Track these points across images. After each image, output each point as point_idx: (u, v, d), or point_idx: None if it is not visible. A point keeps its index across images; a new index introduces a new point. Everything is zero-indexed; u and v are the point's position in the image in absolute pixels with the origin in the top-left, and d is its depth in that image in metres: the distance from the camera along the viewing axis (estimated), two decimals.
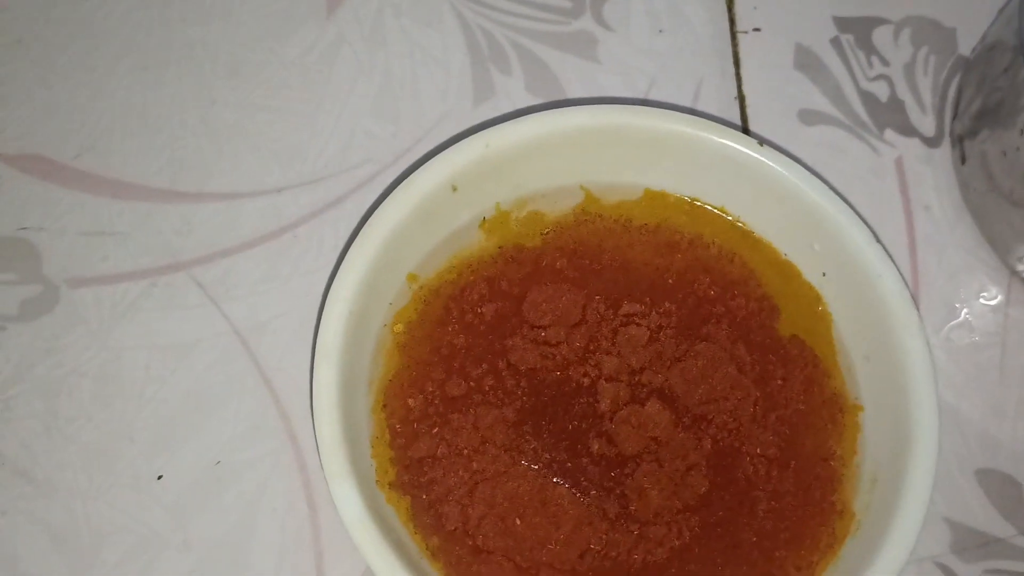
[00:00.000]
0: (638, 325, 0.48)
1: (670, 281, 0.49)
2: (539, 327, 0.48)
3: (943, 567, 0.48)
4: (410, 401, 0.46)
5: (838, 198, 0.48)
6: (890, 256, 0.47)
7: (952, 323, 0.53)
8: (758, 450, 0.46)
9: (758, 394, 0.47)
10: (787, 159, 0.49)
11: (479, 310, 0.48)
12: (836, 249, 0.48)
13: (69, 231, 0.52)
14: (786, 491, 0.46)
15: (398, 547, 0.42)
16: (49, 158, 0.54)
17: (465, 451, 0.45)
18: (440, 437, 0.46)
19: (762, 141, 0.49)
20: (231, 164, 0.55)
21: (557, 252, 0.50)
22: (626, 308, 0.48)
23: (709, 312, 0.49)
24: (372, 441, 0.45)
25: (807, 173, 0.48)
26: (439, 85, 0.57)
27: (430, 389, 0.47)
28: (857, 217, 0.48)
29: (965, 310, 0.54)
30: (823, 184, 0.48)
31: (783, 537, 0.45)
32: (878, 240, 0.47)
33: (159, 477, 0.48)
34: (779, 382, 0.47)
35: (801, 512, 0.45)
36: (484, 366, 0.47)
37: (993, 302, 0.54)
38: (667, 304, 0.48)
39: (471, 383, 0.47)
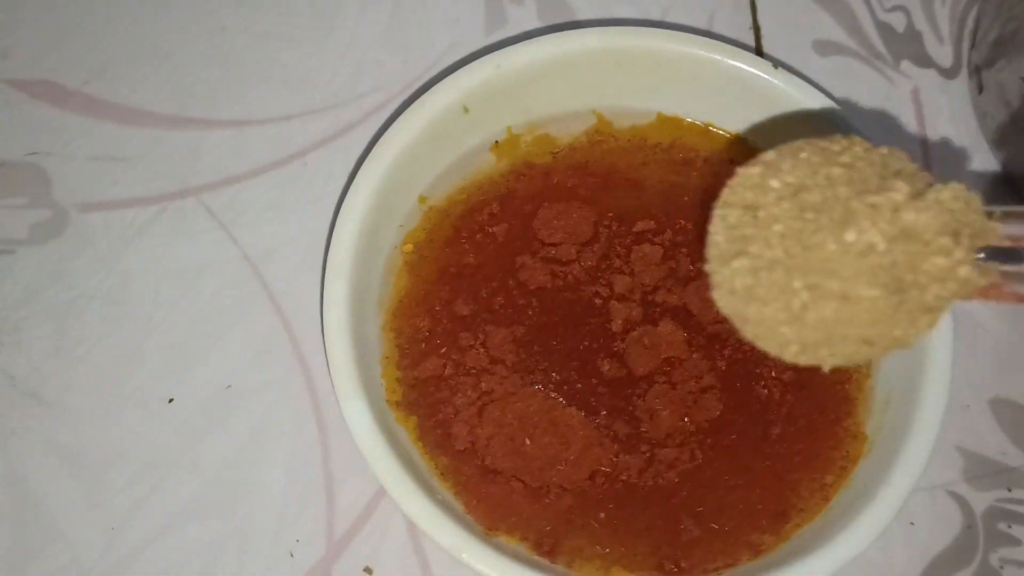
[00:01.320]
0: (652, 243, 0.47)
1: (685, 198, 0.49)
2: (550, 244, 0.47)
3: (955, 495, 0.48)
4: (418, 321, 0.46)
5: (848, 122, 0.47)
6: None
7: None
8: (772, 373, 0.46)
9: None
10: (802, 82, 0.48)
11: (489, 229, 0.48)
12: None
13: (78, 156, 0.52)
14: (800, 414, 0.45)
15: (409, 465, 0.41)
16: (58, 83, 0.54)
17: (473, 370, 0.45)
18: (447, 357, 0.45)
19: (776, 63, 0.48)
20: (240, 91, 0.54)
21: (569, 170, 0.49)
22: (640, 226, 0.48)
23: None
24: (382, 361, 0.45)
25: (823, 96, 0.48)
26: (450, 13, 0.56)
27: (438, 309, 0.46)
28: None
29: None
30: (837, 108, 0.48)
31: (796, 460, 0.45)
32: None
33: (170, 400, 0.48)
34: None
35: (815, 435, 0.45)
36: (493, 285, 0.47)
37: None
38: (682, 221, 0.48)
39: (480, 302, 0.46)
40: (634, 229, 0.48)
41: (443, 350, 0.46)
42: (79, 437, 0.47)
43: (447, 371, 0.45)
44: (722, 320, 0.45)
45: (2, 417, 0.47)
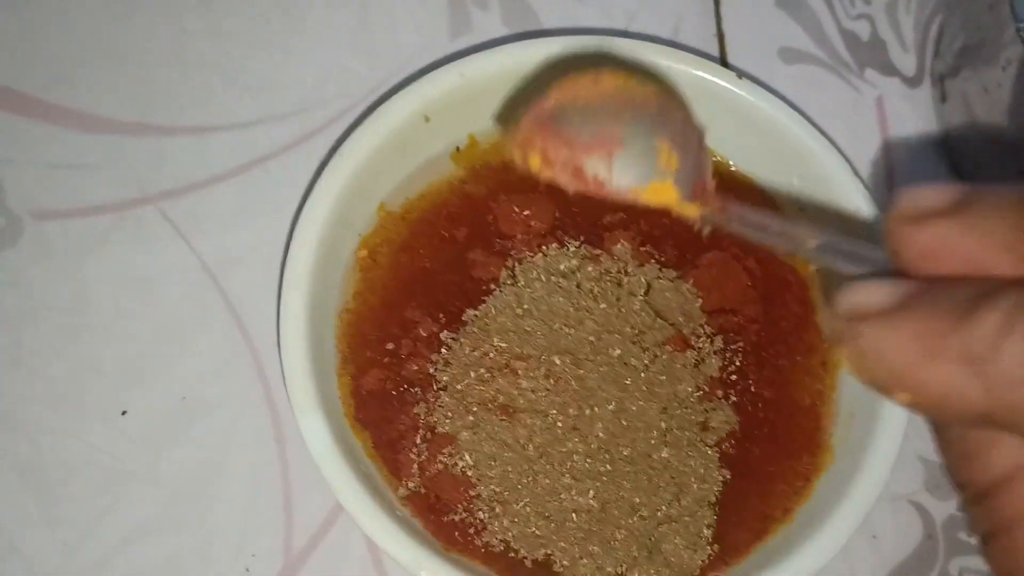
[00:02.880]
0: (626, 231, 0.47)
1: None
2: (508, 237, 0.47)
3: (917, 505, 0.48)
4: (366, 330, 0.46)
5: (817, 131, 0.47)
6: (869, 188, 0.47)
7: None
8: (751, 385, 0.46)
9: (761, 314, 0.47)
10: (767, 92, 0.48)
11: (444, 233, 0.48)
12: (815, 183, 0.47)
13: (36, 163, 0.51)
14: (763, 427, 0.45)
15: (366, 480, 0.41)
16: (16, 90, 0.53)
17: (415, 389, 0.45)
18: (389, 369, 0.45)
19: (741, 74, 0.48)
20: (202, 97, 0.53)
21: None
22: (608, 218, 0.48)
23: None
24: (338, 372, 0.45)
25: (787, 106, 0.48)
26: (416, 19, 0.56)
27: (385, 315, 0.46)
28: (836, 150, 0.47)
29: None
30: (802, 117, 0.48)
31: (758, 473, 0.45)
32: (856, 173, 0.47)
33: (123, 413, 0.47)
34: (779, 306, 0.47)
35: (778, 447, 0.45)
36: (448, 287, 0.47)
37: None
38: (653, 215, 0.48)
39: (432, 307, 0.46)
40: (603, 221, 0.48)
41: (385, 360, 0.45)
42: (36, 450, 0.46)
43: (388, 385, 0.45)
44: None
45: None
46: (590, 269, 0.47)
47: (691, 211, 0.35)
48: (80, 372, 0.48)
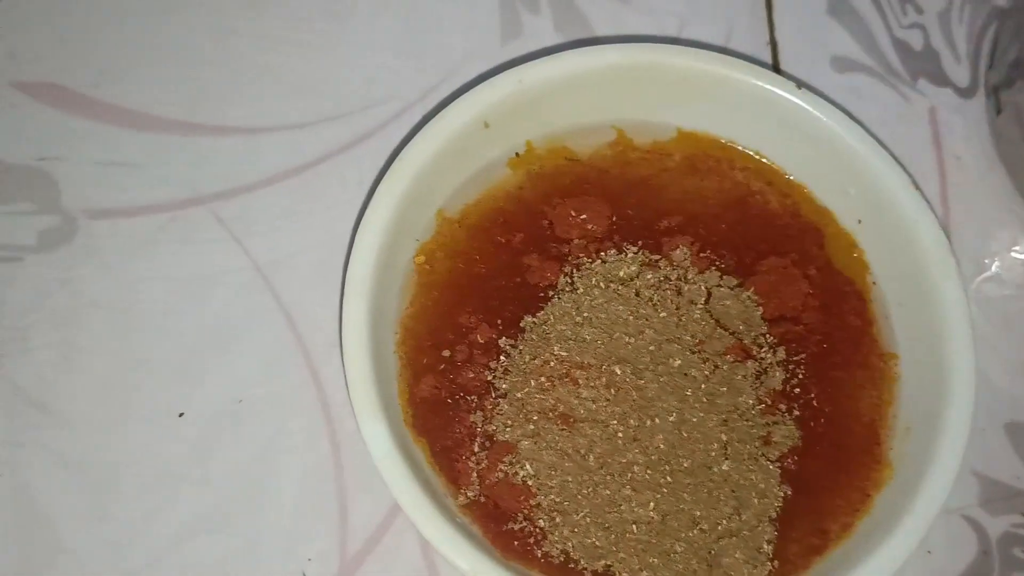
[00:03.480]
0: (684, 236, 0.48)
1: (709, 202, 0.49)
2: (564, 241, 0.47)
3: (970, 520, 0.48)
4: (421, 336, 0.46)
5: (876, 143, 0.47)
6: (927, 201, 0.46)
7: (982, 276, 0.53)
8: (813, 400, 0.46)
9: (822, 323, 0.47)
10: (825, 102, 0.48)
11: (500, 239, 0.47)
12: (873, 194, 0.47)
13: (88, 162, 0.51)
14: (823, 441, 0.45)
15: (427, 487, 0.41)
16: (66, 86, 0.53)
17: (472, 397, 0.45)
18: (444, 376, 0.45)
19: (800, 84, 0.48)
20: (250, 97, 0.53)
21: (586, 172, 0.49)
22: (665, 223, 0.47)
23: (762, 234, 0.48)
24: (397, 380, 0.45)
25: (845, 117, 0.48)
26: (465, 22, 0.56)
27: (441, 322, 0.46)
28: (895, 162, 0.47)
29: (996, 263, 0.53)
30: (861, 128, 0.47)
31: (820, 488, 0.44)
32: (916, 186, 0.47)
33: (180, 414, 0.47)
34: (837, 317, 0.47)
35: (838, 463, 0.45)
36: (503, 293, 0.46)
37: None
38: (712, 221, 0.48)
39: (486, 313, 0.46)
40: (660, 225, 0.47)
41: (441, 367, 0.45)
42: (87, 449, 0.46)
43: (443, 393, 0.45)
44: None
45: (8, 428, 0.46)
46: (649, 276, 0.46)
47: None
48: (131, 371, 0.48)
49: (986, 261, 0.53)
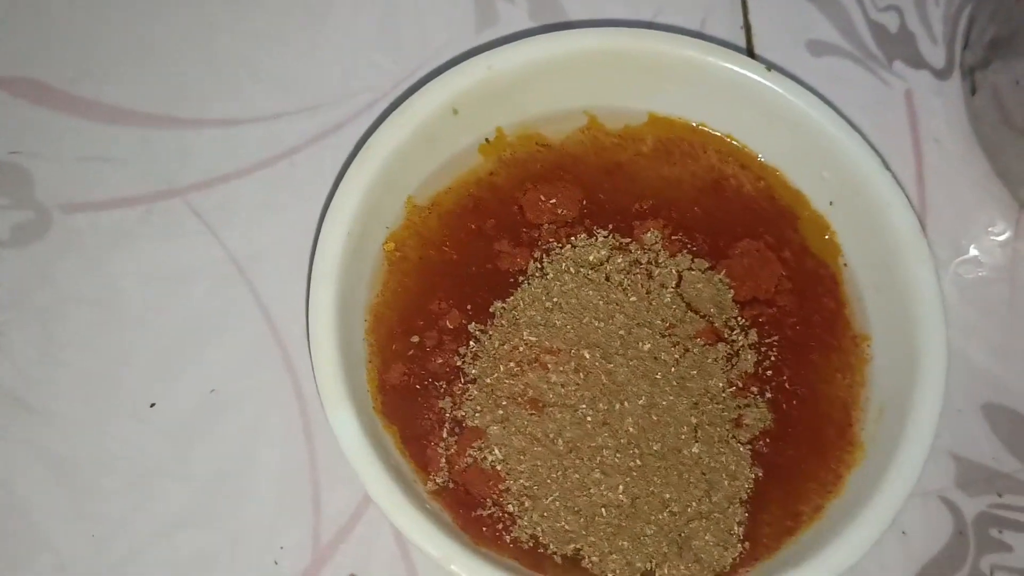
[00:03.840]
0: (656, 219, 0.48)
1: (682, 188, 0.49)
2: (535, 227, 0.47)
3: (947, 501, 0.48)
4: (392, 323, 0.46)
5: (847, 124, 0.47)
6: (900, 184, 0.46)
7: (960, 258, 0.53)
8: (785, 382, 0.46)
9: (797, 306, 0.47)
10: (796, 84, 0.48)
11: (471, 225, 0.48)
12: (845, 177, 0.47)
13: (64, 156, 0.51)
14: (794, 422, 0.45)
15: (397, 474, 0.41)
16: (44, 82, 0.53)
17: (440, 383, 0.45)
18: (413, 362, 0.45)
19: (770, 66, 0.48)
20: (229, 90, 0.53)
21: (558, 158, 0.49)
22: (637, 206, 0.47)
23: (736, 218, 0.48)
24: (366, 367, 0.45)
25: (816, 99, 0.48)
26: (442, 12, 0.56)
27: (411, 308, 0.46)
28: (867, 144, 0.47)
29: (973, 245, 0.53)
30: (833, 110, 0.47)
31: (790, 469, 0.44)
32: (888, 168, 0.47)
33: (151, 405, 0.47)
34: (812, 300, 0.47)
35: (809, 444, 0.45)
36: (473, 279, 0.47)
37: (1002, 237, 0.53)
38: (685, 205, 0.48)
39: (457, 299, 0.46)
40: (632, 209, 0.48)
41: (410, 352, 0.45)
42: (66, 443, 0.46)
43: (411, 380, 0.45)
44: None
45: None
46: (619, 260, 0.46)
47: None
48: (109, 365, 0.48)
49: (964, 243, 0.53)
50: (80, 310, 0.49)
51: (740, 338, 0.46)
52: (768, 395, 0.45)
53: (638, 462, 0.43)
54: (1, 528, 0.45)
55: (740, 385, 0.45)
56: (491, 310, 0.46)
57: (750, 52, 0.55)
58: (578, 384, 0.44)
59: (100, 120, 0.52)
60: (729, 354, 0.46)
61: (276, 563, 0.45)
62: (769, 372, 0.46)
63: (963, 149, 0.55)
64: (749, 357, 0.45)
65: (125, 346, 0.48)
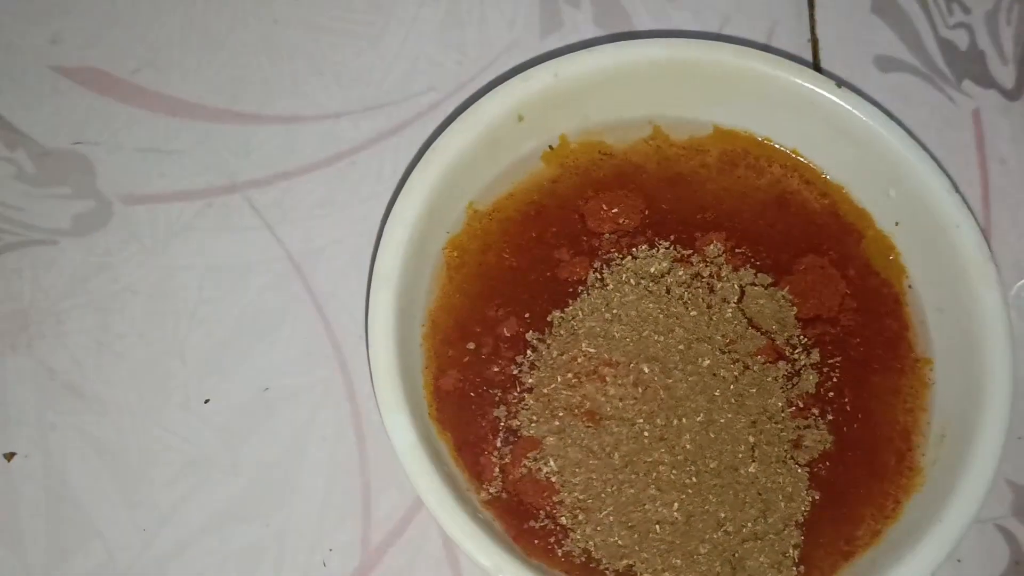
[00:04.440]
0: (719, 231, 0.47)
1: (745, 201, 0.48)
2: (596, 235, 0.47)
3: (1003, 529, 0.47)
4: (449, 329, 0.45)
5: (916, 144, 0.46)
6: (968, 205, 0.45)
7: (1023, 281, 0.52)
8: (847, 404, 0.45)
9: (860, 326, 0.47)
10: (865, 102, 0.47)
11: (532, 233, 0.47)
12: (913, 197, 0.46)
13: (125, 147, 0.51)
14: (855, 445, 0.45)
15: (450, 480, 0.41)
16: (107, 72, 0.53)
17: (495, 390, 0.45)
18: (468, 369, 0.45)
19: (840, 82, 0.47)
20: (291, 86, 0.53)
21: (621, 166, 0.49)
22: (700, 216, 0.47)
23: (800, 233, 0.48)
24: (423, 372, 0.44)
25: (885, 117, 0.47)
26: (506, 14, 0.55)
27: (469, 315, 0.46)
28: (936, 165, 0.46)
29: None
30: (902, 129, 0.47)
31: (849, 493, 0.44)
32: (957, 189, 0.46)
33: (206, 401, 0.47)
34: (875, 319, 0.47)
35: (869, 467, 0.44)
36: (532, 287, 0.46)
37: None
38: (748, 218, 0.48)
39: (510, 307, 0.46)
40: (695, 219, 0.47)
41: (465, 359, 0.45)
42: (119, 434, 0.47)
43: (466, 387, 0.44)
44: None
45: (42, 410, 0.47)
46: (681, 273, 0.46)
47: None
48: (164, 358, 0.48)
49: None
50: (137, 301, 0.49)
51: (802, 357, 0.45)
52: (830, 417, 0.45)
53: (694, 479, 0.42)
54: (53, 515, 0.45)
55: (800, 405, 0.45)
56: (549, 319, 0.45)
57: (816, 66, 0.55)
58: (636, 398, 0.43)
59: (162, 112, 0.52)
60: (789, 373, 0.45)
61: (324, 564, 0.45)
62: (831, 394, 0.45)
63: None
64: (811, 378, 0.45)
65: (180, 339, 0.48)
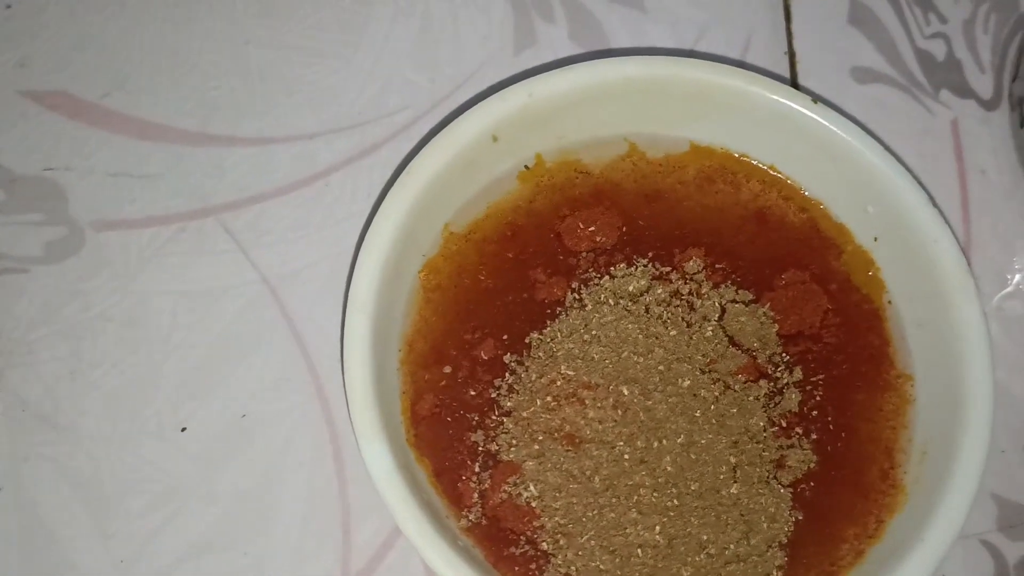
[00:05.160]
0: (698, 247, 0.47)
1: (722, 218, 0.48)
2: (573, 254, 0.47)
3: (988, 544, 0.47)
4: (425, 353, 0.45)
5: (894, 159, 0.46)
6: (947, 220, 0.45)
7: (1004, 292, 0.51)
8: (830, 423, 0.45)
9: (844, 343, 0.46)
10: (841, 117, 0.47)
11: (509, 254, 0.47)
12: (891, 212, 0.46)
13: (96, 172, 0.51)
14: (836, 464, 0.44)
15: (428, 508, 0.40)
16: (77, 96, 0.52)
17: (472, 415, 0.44)
18: (444, 393, 0.44)
19: (816, 98, 0.47)
20: (264, 107, 0.53)
21: (597, 185, 0.48)
22: (679, 232, 0.47)
23: (780, 248, 0.47)
24: (401, 397, 0.44)
25: (862, 132, 0.46)
26: (479, 31, 0.55)
27: (445, 338, 0.45)
28: (914, 179, 0.46)
29: (1018, 279, 0.52)
30: (879, 144, 0.46)
31: (831, 513, 0.43)
32: (934, 203, 0.45)
33: (183, 429, 0.47)
34: (857, 336, 0.46)
35: (851, 487, 0.44)
36: (509, 308, 0.46)
37: None
38: (728, 233, 0.47)
39: (487, 329, 0.45)
40: (673, 234, 0.47)
41: (442, 383, 0.44)
42: (93, 464, 0.46)
43: (443, 412, 0.44)
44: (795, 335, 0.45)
45: (14, 442, 0.46)
46: (660, 291, 0.46)
47: None
48: (138, 385, 0.47)
49: (1008, 276, 0.52)
50: (111, 328, 0.48)
51: (784, 376, 0.45)
52: (814, 436, 0.44)
53: (675, 502, 0.42)
54: (27, 546, 0.45)
55: (783, 425, 0.44)
56: (527, 341, 0.45)
57: (793, 79, 0.54)
58: (616, 420, 0.43)
59: (133, 136, 0.52)
60: (772, 392, 0.45)
61: None
62: (815, 412, 0.45)
63: (1009, 181, 0.53)
64: (793, 396, 0.44)
65: (154, 366, 0.48)
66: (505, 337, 0.45)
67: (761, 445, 0.44)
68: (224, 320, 0.49)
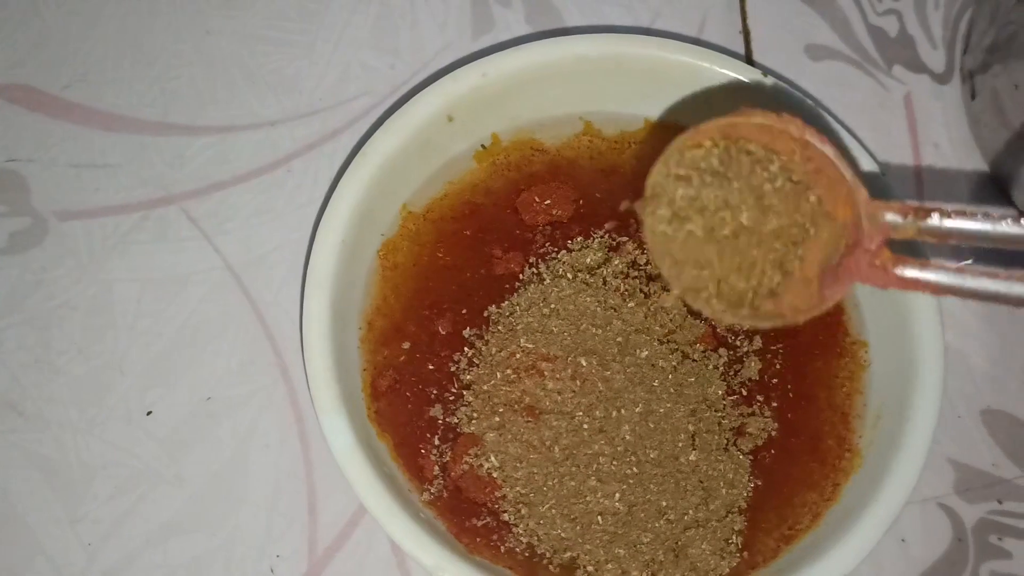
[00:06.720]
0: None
1: None
2: (530, 229, 0.47)
3: (946, 507, 0.48)
4: (385, 330, 0.46)
5: (847, 132, 0.47)
6: (897, 190, 0.46)
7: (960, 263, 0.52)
8: (790, 391, 0.45)
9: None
10: (792, 91, 0.47)
11: (466, 232, 0.47)
12: None
13: (59, 163, 0.51)
14: (791, 429, 0.45)
15: (390, 481, 0.41)
16: (38, 89, 0.53)
17: (431, 389, 0.45)
18: (403, 369, 0.45)
19: (766, 72, 0.48)
20: (225, 96, 0.53)
21: (553, 161, 0.49)
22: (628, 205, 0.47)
23: None
24: (361, 374, 0.44)
25: (812, 105, 0.47)
26: (438, 17, 0.56)
27: (404, 315, 0.46)
28: (864, 150, 0.46)
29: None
30: (828, 116, 0.47)
31: (786, 477, 0.44)
32: (884, 174, 0.46)
33: (148, 413, 0.47)
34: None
35: (806, 451, 0.44)
36: (467, 284, 0.46)
37: None
38: None
39: (450, 305, 0.46)
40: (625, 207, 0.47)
41: (401, 359, 0.45)
42: (61, 450, 0.46)
43: (401, 386, 0.44)
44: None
45: None
46: (617, 263, 0.46)
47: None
48: (104, 372, 0.48)
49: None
50: (75, 317, 0.49)
51: (744, 344, 0.46)
52: (774, 404, 0.45)
53: (635, 469, 0.43)
54: None
55: (744, 393, 0.45)
56: (486, 315, 0.45)
57: (748, 57, 0.55)
58: (575, 391, 0.44)
59: (95, 127, 0.52)
60: (732, 360, 0.45)
61: (272, 570, 0.45)
62: (775, 380, 0.45)
63: (962, 153, 0.54)
64: (753, 364, 0.45)
65: (120, 353, 0.48)
66: (464, 312, 0.46)
67: (720, 413, 0.44)
68: (189, 306, 0.49)
